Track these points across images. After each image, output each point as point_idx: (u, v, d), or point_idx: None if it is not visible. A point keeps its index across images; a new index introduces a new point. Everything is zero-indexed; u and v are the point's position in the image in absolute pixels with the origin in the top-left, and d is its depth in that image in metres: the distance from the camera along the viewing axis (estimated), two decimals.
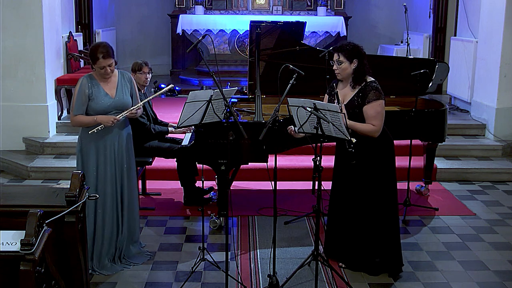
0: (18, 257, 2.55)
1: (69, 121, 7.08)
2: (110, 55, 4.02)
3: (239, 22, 9.58)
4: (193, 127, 4.90)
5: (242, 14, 10.25)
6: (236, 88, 4.53)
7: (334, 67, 3.97)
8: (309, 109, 3.67)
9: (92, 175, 4.05)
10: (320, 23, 9.76)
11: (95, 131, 3.95)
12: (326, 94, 4.20)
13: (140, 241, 4.44)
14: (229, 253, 3.81)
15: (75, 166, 5.35)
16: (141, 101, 4.26)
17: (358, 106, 3.92)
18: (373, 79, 3.99)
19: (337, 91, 3.94)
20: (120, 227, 4.17)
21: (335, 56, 3.95)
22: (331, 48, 4.13)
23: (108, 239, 4.12)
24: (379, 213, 4.02)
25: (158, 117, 5.41)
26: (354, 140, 3.70)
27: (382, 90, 3.98)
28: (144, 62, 5.17)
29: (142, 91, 5.17)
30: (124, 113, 4.03)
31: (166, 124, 5.33)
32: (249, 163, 4.80)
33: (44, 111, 6.76)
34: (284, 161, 6.11)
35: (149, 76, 5.20)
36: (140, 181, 5.41)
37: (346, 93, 4.01)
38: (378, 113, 3.87)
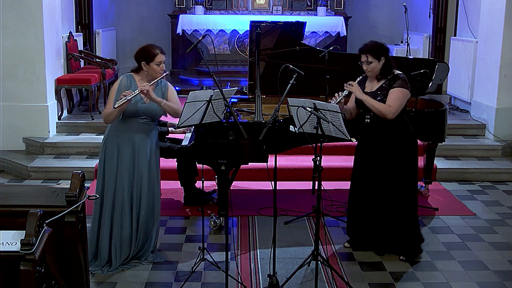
0: (18, 257, 2.54)
1: (69, 121, 7.19)
2: (163, 51, 4.15)
3: (239, 22, 9.58)
4: (193, 127, 4.90)
5: (242, 14, 10.24)
6: (236, 88, 4.53)
7: (364, 67, 4.17)
8: (309, 109, 3.68)
9: (112, 175, 4.09)
10: (320, 23, 9.75)
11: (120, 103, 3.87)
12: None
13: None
14: (229, 253, 3.82)
15: (76, 166, 5.38)
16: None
17: (385, 90, 4.13)
18: (401, 72, 4.22)
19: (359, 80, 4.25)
20: (135, 232, 4.18)
21: (363, 57, 4.14)
22: (358, 49, 4.26)
23: (126, 242, 4.15)
24: (402, 200, 4.29)
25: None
26: (354, 140, 3.71)
27: None
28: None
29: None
30: (133, 94, 3.91)
31: (165, 124, 5.33)
32: (249, 163, 4.80)
33: (44, 111, 6.76)
34: (284, 161, 6.10)
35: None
36: None
37: (374, 83, 4.23)
38: (398, 98, 4.09)
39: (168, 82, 4.29)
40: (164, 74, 4.12)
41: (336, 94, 4.14)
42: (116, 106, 3.88)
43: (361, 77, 4.28)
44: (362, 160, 4.35)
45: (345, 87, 4.13)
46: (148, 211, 4.19)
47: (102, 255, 4.12)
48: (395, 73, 4.19)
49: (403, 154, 4.23)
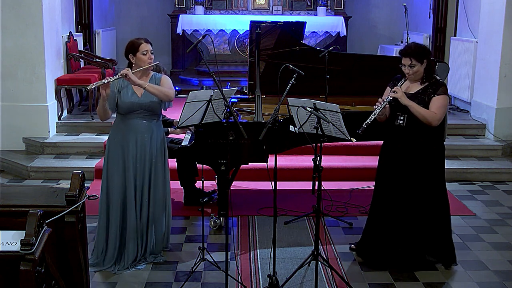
0: (18, 257, 2.55)
1: (69, 121, 7.19)
2: (148, 41, 4.13)
3: (239, 22, 9.58)
4: (192, 127, 4.90)
5: (242, 14, 10.25)
6: (236, 88, 4.53)
7: (406, 70, 4.04)
8: (309, 109, 3.68)
9: (118, 175, 4.10)
10: (320, 23, 9.76)
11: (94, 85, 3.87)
12: (388, 87, 4.23)
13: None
14: (229, 253, 3.82)
15: (76, 166, 5.35)
16: None
17: (427, 95, 4.03)
18: (439, 77, 4.20)
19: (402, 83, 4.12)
20: (145, 234, 4.20)
21: (407, 61, 4.02)
22: (399, 51, 4.15)
23: (134, 241, 4.16)
24: (433, 210, 4.16)
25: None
26: (354, 140, 3.70)
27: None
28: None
29: None
30: (112, 78, 3.91)
31: (172, 122, 5.29)
32: (249, 163, 4.80)
33: (44, 111, 6.76)
34: (284, 161, 6.11)
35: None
36: None
37: (414, 85, 4.11)
38: (443, 106, 4.03)
39: (163, 75, 4.28)
40: (154, 63, 4.10)
41: (380, 99, 4.04)
42: (89, 87, 3.90)
43: (402, 80, 4.14)
44: (389, 162, 4.18)
45: (389, 94, 4.02)
46: (155, 210, 4.20)
47: (108, 254, 4.14)
48: (437, 78, 4.12)
49: (434, 158, 4.11)
